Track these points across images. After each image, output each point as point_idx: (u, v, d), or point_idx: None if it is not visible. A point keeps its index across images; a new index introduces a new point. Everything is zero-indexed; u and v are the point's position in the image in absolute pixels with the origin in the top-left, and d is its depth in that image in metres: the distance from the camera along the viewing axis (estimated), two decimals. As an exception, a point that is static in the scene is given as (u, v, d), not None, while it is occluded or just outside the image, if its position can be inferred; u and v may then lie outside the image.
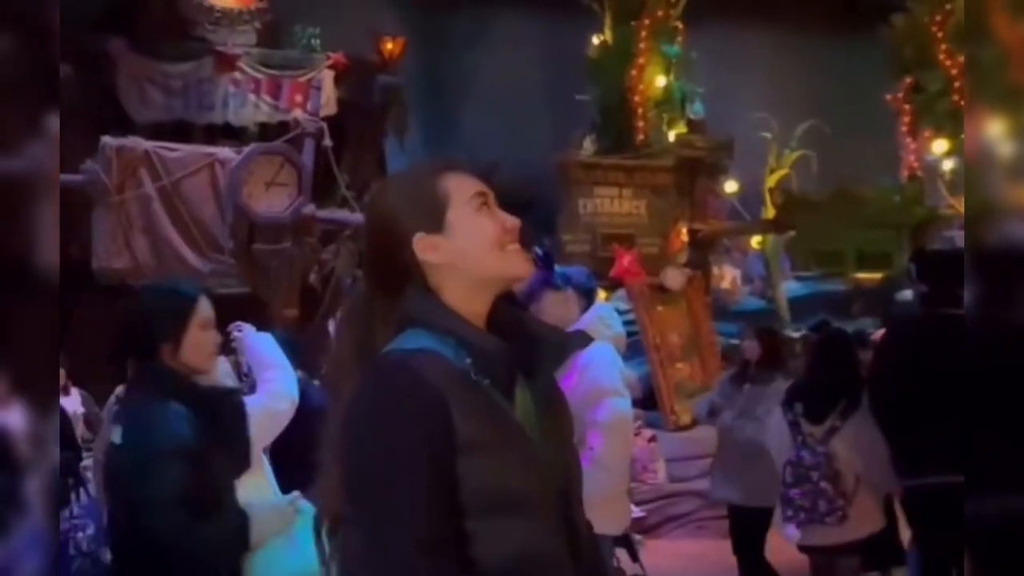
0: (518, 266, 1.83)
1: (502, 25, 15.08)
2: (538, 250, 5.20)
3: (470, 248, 1.81)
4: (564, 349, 1.91)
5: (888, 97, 14.93)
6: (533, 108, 13.96)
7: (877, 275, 14.33)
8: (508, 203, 1.85)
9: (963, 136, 14.13)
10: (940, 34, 14.43)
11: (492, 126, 13.88)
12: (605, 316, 4.60)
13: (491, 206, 1.85)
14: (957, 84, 14.11)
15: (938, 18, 14.44)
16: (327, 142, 10.56)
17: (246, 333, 4.03)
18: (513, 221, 1.84)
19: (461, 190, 1.84)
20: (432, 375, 1.69)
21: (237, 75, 10.57)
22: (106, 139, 9.68)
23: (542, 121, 14.00)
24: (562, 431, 1.87)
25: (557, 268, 4.66)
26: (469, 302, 1.81)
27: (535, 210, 12.02)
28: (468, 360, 1.74)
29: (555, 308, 4.29)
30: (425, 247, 1.80)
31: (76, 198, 9.77)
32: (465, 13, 14.80)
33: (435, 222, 1.81)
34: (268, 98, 10.71)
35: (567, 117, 13.77)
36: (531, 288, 4.22)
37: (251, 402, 3.72)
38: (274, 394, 3.78)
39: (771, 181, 14.16)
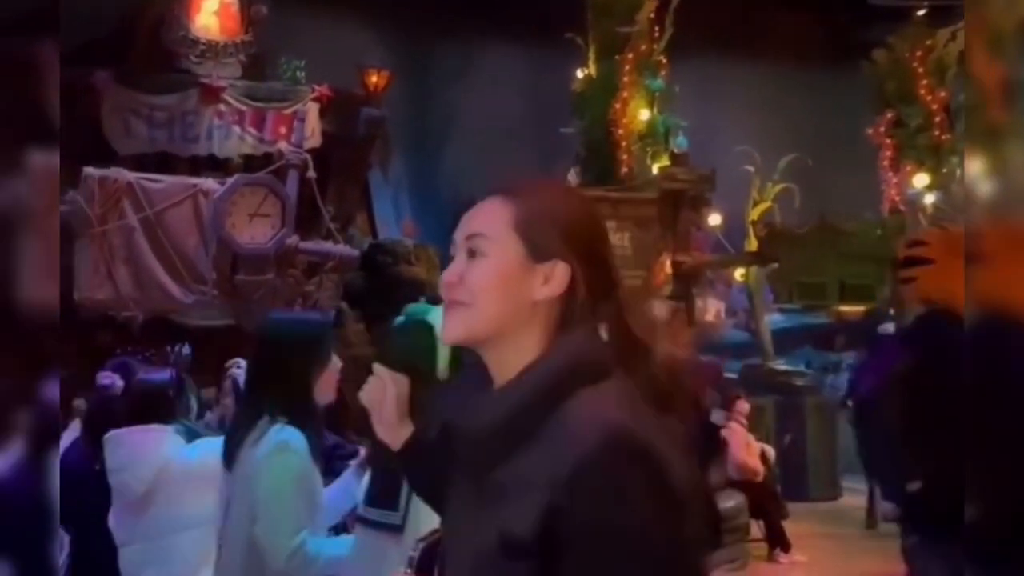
0: None
1: (487, 58, 15.16)
2: None
3: None
4: None
5: (870, 131, 15.04)
6: (518, 140, 14.02)
7: (860, 308, 14.38)
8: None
9: (944, 170, 14.27)
10: (921, 70, 14.56)
11: (477, 158, 13.92)
12: None
13: None
14: (938, 119, 14.24)
15: (919, 54, 14.58)
16: (311, 174, 10.58)
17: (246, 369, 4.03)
18: None
19: None
20: None
21: (222, 107, 10.58)
22: (88, 170, 9.67)
23: (527, 153, 14.04)
24: None
25: None
26: None
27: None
28: None
29: None
30: None
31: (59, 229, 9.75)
32: (451, 46, 14.88)
33: None
34: (252, 130, 10.72)
35: (551, 150, 13.84)
36: None
37: None
38: None
39: (754, 214, 14.23)
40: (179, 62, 10.69)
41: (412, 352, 2.69)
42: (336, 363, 3.15)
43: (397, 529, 2.70)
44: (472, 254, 1.63)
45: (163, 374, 3.98)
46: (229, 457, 3.09)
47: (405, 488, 2.70)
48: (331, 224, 10.78)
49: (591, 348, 1.58)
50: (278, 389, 3.07)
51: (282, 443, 2.99)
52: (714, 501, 5.65)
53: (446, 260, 1.70)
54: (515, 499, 1.49)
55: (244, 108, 10.67)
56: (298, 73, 11.17)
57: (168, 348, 4.41)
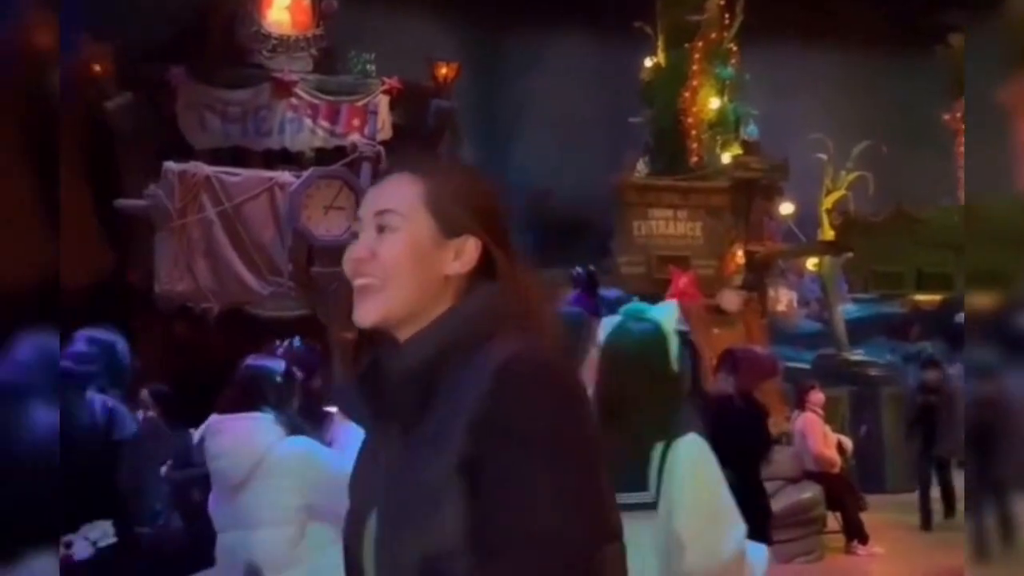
0: None
1: (556, 48, 15.13)
2: (579, 270, 5.11)
3: None
4: None
5: (946, 117, 14.78)
6: (587, 131, 13.99)
7: (936, 297, 14.14)
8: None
9: None
10: (999, 53, 14.26)
11: (546, 149, 13.91)
12: None
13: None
14: (1017, 103, 13.92)
15: (996, 37, 14.28)
16: (384, 166, 10.64)
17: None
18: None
19: None
20: None
21: (294, 101, 10.69)
22: (169, 164, 9.82)
23: (596, 144, 14.00)
24: None
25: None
26: None
27: (590, 232, 12.02)
28: None
29: None
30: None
31: (139, 223, 9.93)
32: (519, 37, 14.89)
33: None
34: (325, 123, 10.82)
35: (621, 139, 13.77)
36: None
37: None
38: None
39: (828, 202, 14.05)
40: (252, 57, 10.82)
41: (644, 352, 2.79)
42: (592, 354, 3.12)
43: (650, 506, 2.68)
44: (382, 230, 1.62)
45: (272, 362, 3.97)
46: None
47: (652, 463, 2.69)
48: (403, 215, 10.83)
49: (504, 299, 1.60)
50: None
51: None
52: (766, 495, 5.43)
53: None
54: (443, 436, 1.50)
55: (316, 102, 10.77)
56: (368, 66, 11.24)
57: (277, 341, 4.38)
